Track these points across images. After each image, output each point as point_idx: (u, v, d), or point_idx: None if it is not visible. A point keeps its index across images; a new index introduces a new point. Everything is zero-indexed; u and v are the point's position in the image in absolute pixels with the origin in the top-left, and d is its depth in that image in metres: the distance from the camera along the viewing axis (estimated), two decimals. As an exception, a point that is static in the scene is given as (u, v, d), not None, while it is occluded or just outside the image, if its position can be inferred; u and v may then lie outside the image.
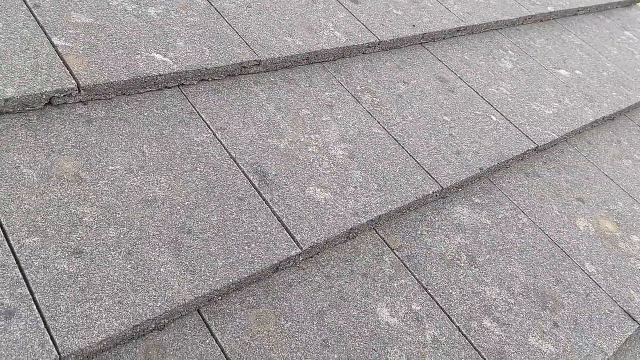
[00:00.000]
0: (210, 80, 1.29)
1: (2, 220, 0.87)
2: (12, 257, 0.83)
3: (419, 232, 1.26)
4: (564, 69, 2.02)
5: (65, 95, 1.08)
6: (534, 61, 1.97)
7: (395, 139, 1.40)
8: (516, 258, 1.30)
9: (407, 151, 1.38)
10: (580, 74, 2.04)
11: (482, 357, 1.07)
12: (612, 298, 1.31)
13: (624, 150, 1.84)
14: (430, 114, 1.53)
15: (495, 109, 1.66)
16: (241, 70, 1.34)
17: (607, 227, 1.50)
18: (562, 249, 1.38)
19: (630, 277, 1.38)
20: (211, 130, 1.18)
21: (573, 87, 1.93)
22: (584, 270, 1.35)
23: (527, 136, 1.61)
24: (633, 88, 2.10)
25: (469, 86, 1.70)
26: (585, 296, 1.28)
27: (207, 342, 0.89)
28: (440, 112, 1.56)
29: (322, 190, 1.18)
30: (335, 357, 0.96)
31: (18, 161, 0.96)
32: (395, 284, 1.13)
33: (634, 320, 1.27)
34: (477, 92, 1.69)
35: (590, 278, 1.34)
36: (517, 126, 1.63)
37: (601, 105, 1.91)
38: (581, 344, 1.17)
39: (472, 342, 1.09)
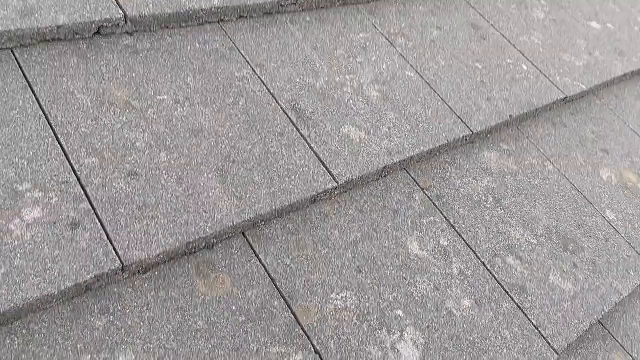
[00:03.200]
0: (248, 17, 1.31)
1: (61, 140, 0.92)
2: (74, 174, 0.88)
3: (448, 174, 1.30)
4: (596, 21, 2.00)
5: (112, 25, 1.11)
6: (565, 12, 1.96)
7: (427, 83, 1.42)
8: (540, 202, 1.35)
9: (439, 95, 1.41)
10: (611, 27, 2.02)
11: (505, 290, 1.13)
12: (629, 244, 1.36)
13: (651, 104, 1.85)
14: (462, 60, 1.54)
15: (526, 58, 1.67)
16: (278, 8, 1.35)
17: (630, 177, 1.53)
18: (584, 196, 1.42)
19: (649, 226, 1.42)
20: (250, 67, 1.21)
21: (604, 40, 1.92)
22: (604, 217, 1.39)
23: (556, 86, 1.62)
24: (664, 43, 2.08)
25: (500, 34, 1.70)
26: (604, 241, 1.33)
27: (252, 261, 0.95)
28: (472, 59, 1.57)
29: (357, 129, 1.22)
30: (368, 282, 1.02)
31: (72, 87, 1.00)
32: (425, 221, 1.18)
33: (650, 266, 1.32)
34: (508, 41, 1.69)
35: (610, 224, 1.38)
36: (547, 76, 1.64)
37: (630, 60, 1.91)
38: (598, 284, 1.23)
39: (496, 276, 1.14)
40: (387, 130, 1.25)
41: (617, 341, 1.20)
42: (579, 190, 1.42)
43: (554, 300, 1.15)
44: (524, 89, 1.55)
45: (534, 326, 1.09)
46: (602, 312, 1.17)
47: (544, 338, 1.08)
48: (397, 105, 1.32)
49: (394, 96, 1.34)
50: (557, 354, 1.07)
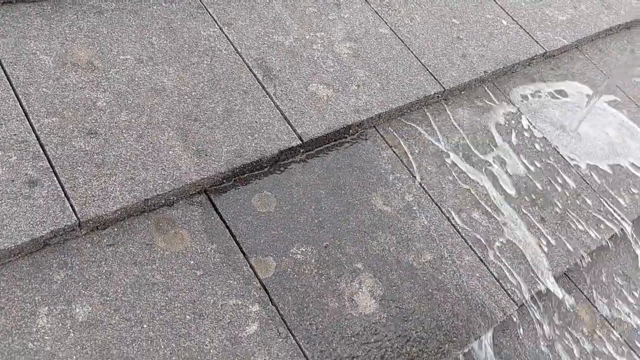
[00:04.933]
0: (217, -26, 1.30)
1: (22, 100, 0.93)
2: (33, 134, 0.90)
3: (418, 131, 1.31)
4: (585, -27, 1.96)
5: (75, -14, 1.11)
6: (553, -36, 1.91)
7: (401, 40, 1.41)
8: (513, 158, 1.35)
9: (412, 52, 1.40)
10: (601, -21, 1.97)
11: (468, 244, 1.15)
12: (600, 199, 1.37)
13: (636, 58, 1.82)
14: (440, 16, 1.53)
15: (506, 12, 1.64)
16: (249, -34, 1.34)
17: (607, 133, 1.53)
18: (558, 152, 1.42)
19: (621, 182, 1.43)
20: (218, 25, 1.21)
21: (591, -7, 1.88)
22: (578, 173, 1.40)
23: (536, 41, 1.60)
24: (655, -5, 2.03)
25: (481, -12, 1.67)
26: (576, 195, 1.34)
27: (212, 218, 0.98)
28: (450, 15, 1.55)
29: (325, 87, 1.22)
30: (330, 236, 1.05)
31: (34, 47, 1.01)
32: (390, 177, 1.20)
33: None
34: (489, -5, 1.66)
35: (584, 180, 1.39)
36: (528, 31, 1.62)
37: (618, 13, 1.87)
38: (564, 238, 1.25)
39: (460, 231, 1.17)
40: (355, 87, 1.26)
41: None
42: (554, 148, 1.43)
43: (517, 254, 1.17)
44: (501, 45, 1.54)
45: (495, 278, 1.12)
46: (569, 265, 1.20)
47: (505, 290, 1.11)
48: (368, 62, 1.32)
49: (365, 53, 1.34)
50: (517, 305, 1.10)
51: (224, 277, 0.92)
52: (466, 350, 1.01)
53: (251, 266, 0.96)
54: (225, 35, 1.20)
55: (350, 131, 1.21)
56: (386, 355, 0.94)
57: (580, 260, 1.23)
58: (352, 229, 1.08)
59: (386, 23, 1.43)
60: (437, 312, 1.03)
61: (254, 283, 0.94)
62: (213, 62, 1.14)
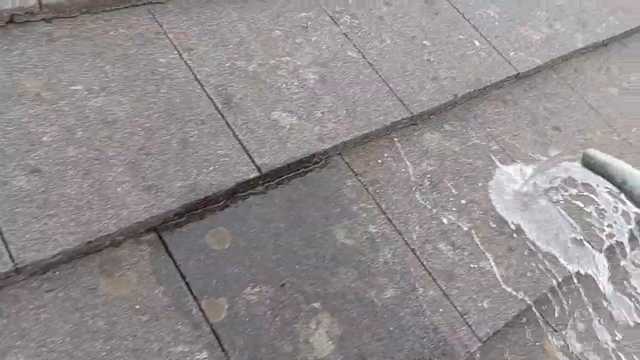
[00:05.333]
0: (178, -3, 1.26)
1: (-39, 138, 0.90)
2: (-28, 174, 0.87)
3: (385, 158, 1.28)
4: (562, -10, 1.94)
5: (26, 13, 1.07)
6: (529, -19, 1.89)
7: (370, 63, 1.39)
8: (481, 184, 1.33)
9: (380, 76, 1.37)
10: (578, -4, 1.95)
11: (432, 277, 1.12)
12: (571, 225, 1.34)
13: (613, 77, 1.81)
14: (410, 38, 1.50)
15: (479, 33, 1.62)
16: (212, -12, 1.30)
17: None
18: (529, 178, 1.40)
19: (593, 207, 1.40)
20: (177, 51, 1.18)
21: (567, 11, 1.86)
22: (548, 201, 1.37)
23: (509, 62, 1.58)
24: (632, 11, 2.01)
25: (455, 8, 1.64)
26: (544, 222, 1.32)
27: (162, 258, 0.95)
28: (421, 36, 1.52)
29: (288, 114, 1.19)
30: (288, 274, 1.02)
31: (-22, 79, 0.98)
32: (355, 208, 1.17)
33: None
34: (462, 15, 1.64)
35: (555, 206, 1.36)
36: (500, 52, 1.60)
37: (594, 31, 1.85)
38: (533, 265, 1.22)
39: (424, 263, 1.14)
40: (320, 114, 1.23)
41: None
42: (523, 172, 1.40)
43: (483, 287, 1.14)
44: (473, 66, 1.51)
45: (459, 313, 1.09)
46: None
47: (469, 326, 1.08)
48: (334, 88, 1.29)
49: (332, 79, 1.31)
50: (481, 342, 1.07)
51: (172, 323, 0.89)
52: (427, 391, 0.99)
53: (201, 309, 0.92)
54: (185, 62, 1.17)
55: (314, 160, 1.18)
56: (341, 401, 0.91)
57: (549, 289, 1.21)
58: (312, 265, 1.05)
59: (355, 46, 1.40)
60: (396, 353, 1.00)
61: (204, 328, 0.90)
62: (170, 91, 1.11)
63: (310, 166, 1.18)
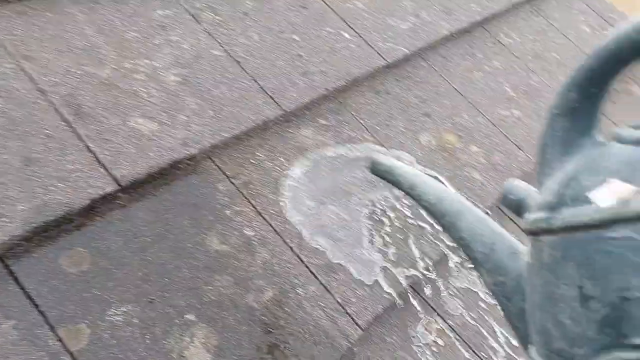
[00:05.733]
0: (15, 0, 1.15)
1: None
2: None
3: (259, 158, 1.26)
4: (426, -20, 2.01)
5: None
6: (394, -28, 1.94)
7: (236, 61, 1.35)
8: (346, 172, 1.34)
9: (248, 74, 1.34)
10: (441, -14, 2.04)
11: (312, 272, 1.12)
12: (445, 207, 1.40)
13: (477, 62, 1.91)
14: (278, 33, 1.48)
15: (348, 25, 1.64)
16: (55, -11, 1.21)
17: (449, 139, 1.58)
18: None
19: (462, 184, 1.47)
20: (15, 61, 1.07)
21: (432, 0, 1.93)
22: (421, 183, 1.42)
23: (378, 53, 1.61)
24: (491, -1, 2.14)
25: (323, 1, 1.65)
26: (416, 207, 1.36)
27: (10, 289, 0.86)
28: (289, 30, 1.51)
29: (148, 120, 1.13)
30: (156, 289, 0.97)
31: None
32: (228, 212, 1.13)
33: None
34: (331, 8, 1.65)
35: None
36: (370, 43, 1.63)
37: (458, 18, 1.94)
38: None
39: (303, 260, 1.13)
40: (185, 118, 1.18)
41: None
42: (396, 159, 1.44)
43: (359, 282, 1.16)
44: (343, 59, 1.53)
45: (339, 304, 1.10)
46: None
47: (349, 315, 1.09)
48: (199, 89, 1.24)
49: (196, 79, 1.26)
50: (362, 329, 1.08)
51: (24, 358, 0.81)
52: (310, 389, 0.98)
53: (59, 339, 0.85)
54: (25, 72, 1.07)
55: (180, 167, 1.13)
56: (220, 414, 0.88)
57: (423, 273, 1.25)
58: (184, 277, 1.00)
59: (220, 44, 1.36)
60: (278, 352, 0.98)
61: (63, 358, 0.83)
62: (8, 105, 1.01)
63: (176, 174, 1.13)
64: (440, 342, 1.20)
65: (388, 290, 1.16)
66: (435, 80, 1.74)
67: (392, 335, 1.15)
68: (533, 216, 0.56)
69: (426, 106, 1.63)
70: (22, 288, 0.87)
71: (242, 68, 1.34)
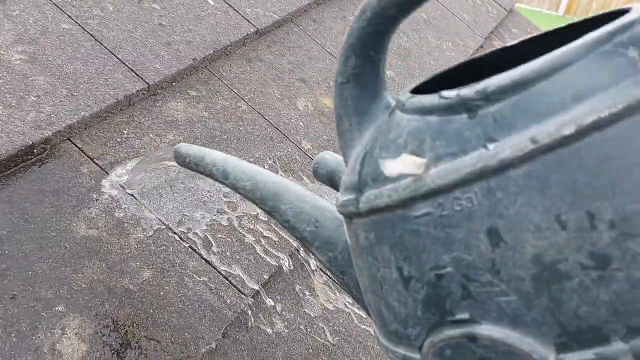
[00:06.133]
0: None
1: None
2: None
3: (125, 135, 1.20)
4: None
5: None
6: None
7: (91, 35, 1.27)
8: (233, 146, 1.33)
9: (106, 47, 1.26)
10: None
11: (192, 248, 1.10)
12: (324, 169, 1.43)
13: (348, 24, 1.94)
14: (136, 2, 1.40)
15: (213, -8, 1.59)
16: None
17: (325, 103, 1.60)
18: (280, 131, 1.44)
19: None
20: None
21: (299, -36, 1.92)
22: (300, 148, 1.43)
23: (247, 19, 1.59)
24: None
25: (184, -32, 1.58)
26: (299, 172, 1.38)
27: None
28: (148, 0, 1.44)
29: (-9, 104, 1.03)
30: (18, 284, 0.90)
31: None
32: (94, 195, 1.07)
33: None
34: (193, -26, 1.58)
35: (306, 154, 1.43)
36: (237, 9, 1.59)
37: (326, -18, 1.95)
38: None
39: (182, 237, 1.11)
40: (35, 99, 1.09)
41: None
42: (274, 126, 1.44)
43: (246, 245, 1.16)
44: (210, 27, 1.48)
45: (223, 276, 1.09)
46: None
47: (234, 286, 1.09)
48: (49, 67, 1.15)
49: (46, 57, 1.16)
50: (249, 298, 1.09)
51: None
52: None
53: None
54: None
55: (35, 151, 1.05)
56: (101, 402, 0.85)
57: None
58: (49, 268, 0.94)
59: (70, 17, 1.26)
60: (161, 333, 0.96)
61: None
62: None
63: (30, 159, 1.05)
64: (330, 305, 1.24)
65: (276, 255, 1.17)
66: (308, 44, 1.75)
67: (281, 301, 1.17)
68: (342, 198, 0.53)
69: (301, 71, 1.64)
70: None
71: (98, 41, 1.26)
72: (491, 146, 0.40)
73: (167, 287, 1.03)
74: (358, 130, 0.54)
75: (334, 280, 1.26)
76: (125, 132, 1.20)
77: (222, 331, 1.03)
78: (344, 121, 0.56)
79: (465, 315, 0.43)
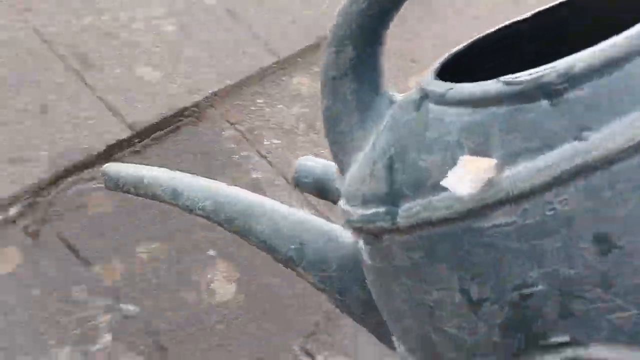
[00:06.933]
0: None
1: None
2: None
3: (259, 105, 1.30)
4: None
5: None
6: None
7: (229, 10, 1.37)
8: (351, 121, 1.40)
9: (243, 22, 1.37)
10: None
11: (316, 209, 1.19)
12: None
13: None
14: (266, -17, 1.50)
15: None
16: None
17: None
18: (393, 109, 1.50)
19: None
20: (17, 10, 1.07)
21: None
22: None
23: None
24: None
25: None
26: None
27: (43, 230, 0.90)
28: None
29: (152, 69, 1.15)
30: (176, 228, 1.02)
31: None
32: (236, 157, 1.18)
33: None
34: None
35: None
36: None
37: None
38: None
39: (306, 197, 1.20)
40: (186, 67, 1.20)
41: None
42: (387, 104, 1.50)
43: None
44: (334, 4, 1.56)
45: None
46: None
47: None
48: (196, 38, 1.27)
49: (192, 29, 1.28)
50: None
51: (65, 292, 0.86)
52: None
53: (95, 274, 0.90)
54: (27, 22, 1.07)
55: (186, 114, 1.17)
56: (247, 331, 0.96)
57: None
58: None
59: (212, -6, 1.37)
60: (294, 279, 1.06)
61: (100, 291, 0.88)
62: (19, 55, 1.02)
63: (183, 120, 1.17)
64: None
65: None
66: (418, 27, 1.79)
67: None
68: (362, 212, 0.44)
69: (411, 53, 1.69)
70: (54, 229, 0.91)
71: (236, 17, 1.36)
72: (587, 137, 0.33)
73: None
74: (362, 128, 0.46)
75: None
76: (259, 101, 1.31)
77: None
78: (342, 121, 0.48)
79: (565, 338, 0.36)
